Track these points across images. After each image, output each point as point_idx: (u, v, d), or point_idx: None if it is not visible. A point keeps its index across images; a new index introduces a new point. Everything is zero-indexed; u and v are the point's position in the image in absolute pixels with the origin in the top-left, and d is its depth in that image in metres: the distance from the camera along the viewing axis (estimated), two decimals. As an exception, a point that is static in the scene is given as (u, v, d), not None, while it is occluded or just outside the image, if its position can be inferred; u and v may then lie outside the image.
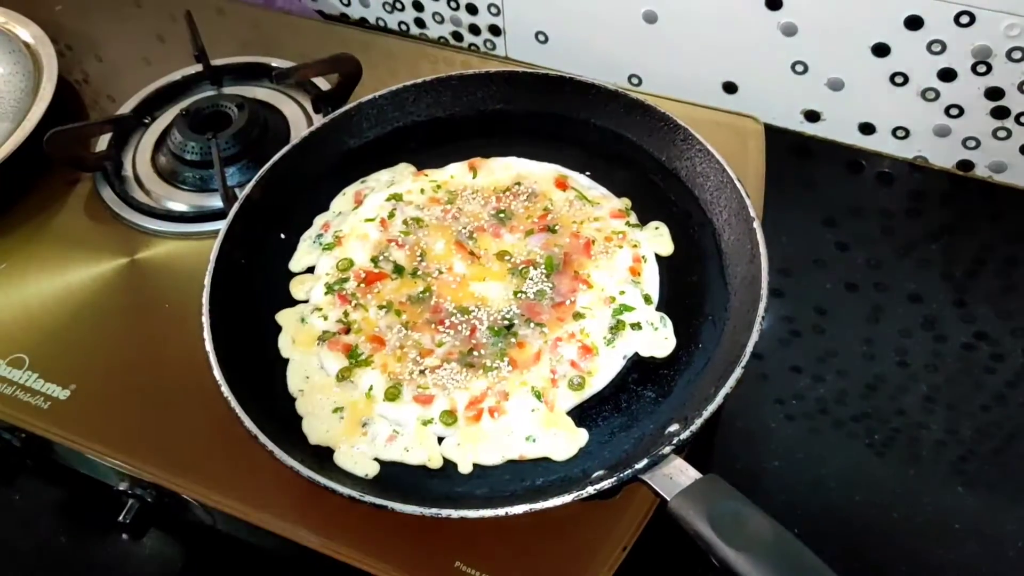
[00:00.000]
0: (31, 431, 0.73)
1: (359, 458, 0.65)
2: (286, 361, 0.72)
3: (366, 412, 0.67)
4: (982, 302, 0.85)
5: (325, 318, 0.73)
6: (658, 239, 0.77)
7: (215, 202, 0.87)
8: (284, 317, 0.75)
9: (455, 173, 0.83)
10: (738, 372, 0.62)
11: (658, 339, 0.71)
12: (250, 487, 0.68)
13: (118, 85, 1.02)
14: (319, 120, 0.86)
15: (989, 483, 0.74)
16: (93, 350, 0.78)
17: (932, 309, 0.85)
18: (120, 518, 0.71)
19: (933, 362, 0.81)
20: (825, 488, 0.75)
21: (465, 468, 0.65)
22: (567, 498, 0.57)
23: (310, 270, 0.78)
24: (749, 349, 0.63)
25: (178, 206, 0.89)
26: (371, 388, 0.68)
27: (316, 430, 0.67)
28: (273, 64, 1.00)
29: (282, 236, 0.80)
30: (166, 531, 0.76)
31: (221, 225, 0.77)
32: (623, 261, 0.75)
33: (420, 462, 0.65)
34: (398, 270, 0.76)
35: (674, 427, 0.63)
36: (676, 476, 0.58)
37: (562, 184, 0.81)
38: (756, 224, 0.71)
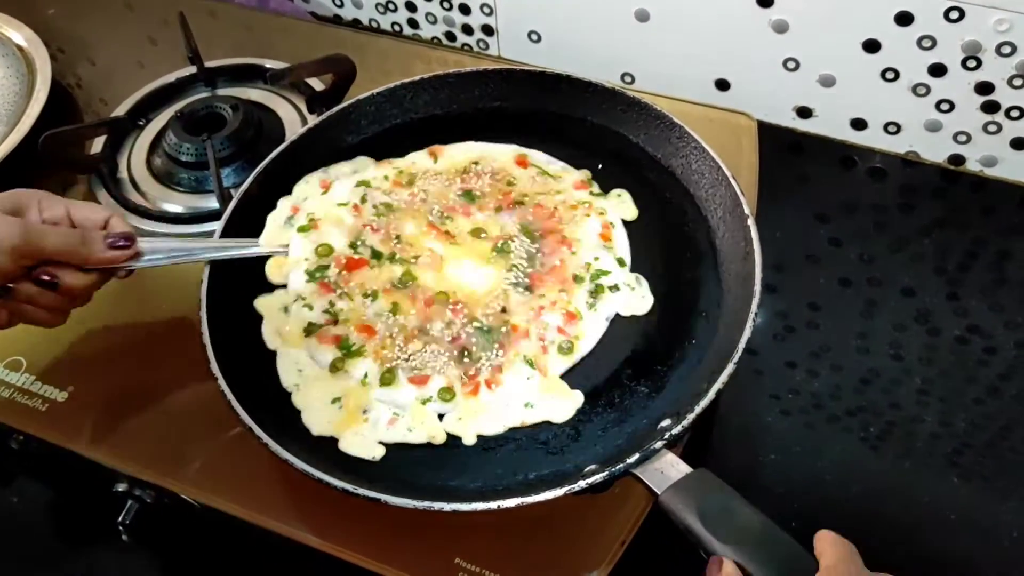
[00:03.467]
0: (29, 434, 0.73)
1: (363, 443, 0.66)
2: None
3: (364, 399, 0.68)
4: (975, 295, 0.86)
5: (310, 308, 0.73)
6: (622, 205, 0.80)
7: (211, 203, 0.88)
8: (264, 304, 0.74)
9: (416, 159, 0.84)
10: (730, 368, 0.62)
11: (636, 298, 0.74)
12: (249, 486, 0.68)
13: (112, 88, 1.02)
14: (313, 119, 0.87)
15: (984, 474, 0.74)
16: (90, 352, 0.78)
17: (925, 303, 0.86)
18: (119, 519, 0.71)
19: (927, 355, 0.82)
20: (821, 481, 0.75)
21: (469, 440, 0.66)
22: (559, 491, 0.58)
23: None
24: (741, 346, 0.63)
25: (173, 207, 0.89)
26: (366, 375, 0.69)
27: (318, 422, 0.67)
28: (267, 65, 1.00)
29: (278, 236, 0.80)
30: (166, 532, 0.76)
31: (217, 226, 0.77)
32: (593, 228, 0.77)
33: (424, 440, 0.66)
34: (376, 255, 0.76)
35: (666, 422, 0.63)
36: (667, 470, 0.58)
37: (522, 162, 0.83)
38: (751, 222, 0.71)
